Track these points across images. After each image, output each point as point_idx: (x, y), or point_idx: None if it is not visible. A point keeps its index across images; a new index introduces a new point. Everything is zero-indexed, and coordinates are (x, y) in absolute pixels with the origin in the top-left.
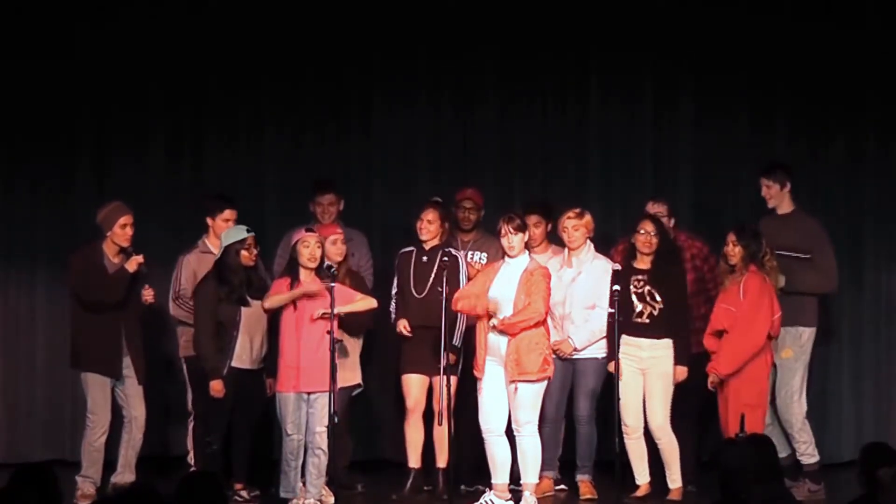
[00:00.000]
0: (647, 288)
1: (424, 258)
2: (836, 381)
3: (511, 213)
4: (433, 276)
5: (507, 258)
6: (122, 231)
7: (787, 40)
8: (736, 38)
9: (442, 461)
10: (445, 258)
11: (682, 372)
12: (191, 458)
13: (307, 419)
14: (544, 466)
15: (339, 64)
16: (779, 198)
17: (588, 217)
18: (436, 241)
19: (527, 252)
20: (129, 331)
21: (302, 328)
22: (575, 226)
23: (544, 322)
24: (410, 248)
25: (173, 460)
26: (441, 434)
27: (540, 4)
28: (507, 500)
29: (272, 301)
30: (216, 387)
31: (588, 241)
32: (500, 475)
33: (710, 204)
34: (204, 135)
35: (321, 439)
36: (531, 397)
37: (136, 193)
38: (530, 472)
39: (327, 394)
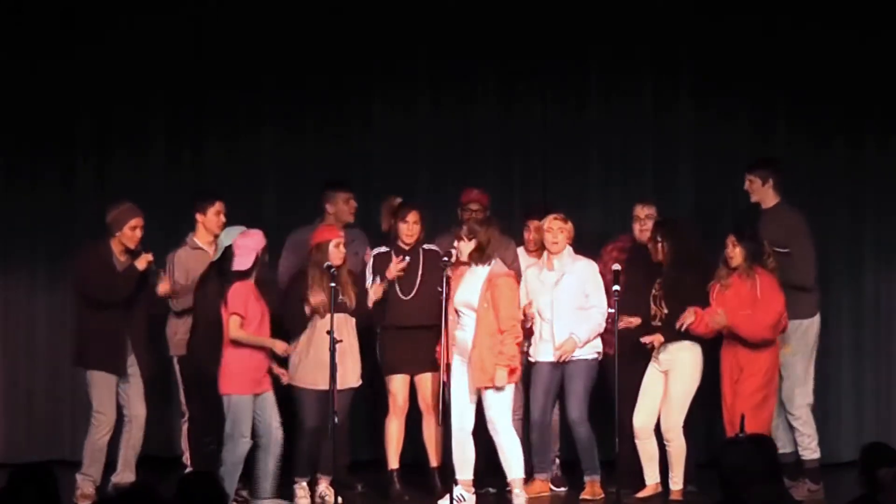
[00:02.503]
0: (662, 292)
1: (407, 258)
2: (836, 380)
3: (468, 223)
4: (419, 276)
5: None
6: (131, 233)
7: (787, 40)
8: (735, 38)
9: (435, 460)
10: (445, 258)
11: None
12: (186, 459)
13: (262, 418)
14: (536, 469)
15: (339, 64)
16: (761, 193)
17: (570, 224)
18: (414, 242)
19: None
20: (134, 329)
21: (262, 332)
22: (560, 228)
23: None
24: (386, 249)
25: (173, 460)
26: (433, 433)
27: (540, 5)
28: (472, 493)
29: (240, 336)
30: (279, 344)
31: (569, 247)
32: (466, 471)
33: (710, 204)
34: (204, 134)
35: (281, 433)
36: (500, 400)
37: (135, 193)
38: (514, 468)
39: (272, 391)
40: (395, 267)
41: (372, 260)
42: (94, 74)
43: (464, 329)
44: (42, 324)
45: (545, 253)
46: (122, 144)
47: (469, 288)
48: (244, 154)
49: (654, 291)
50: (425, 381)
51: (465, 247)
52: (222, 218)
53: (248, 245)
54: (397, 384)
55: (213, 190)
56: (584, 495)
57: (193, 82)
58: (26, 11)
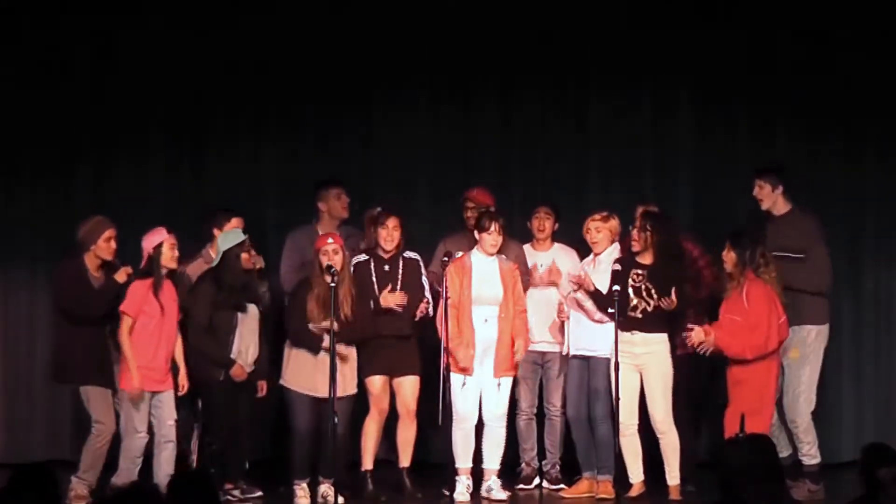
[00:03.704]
0: (645, 284)
1: (386, 267)
2: (836, 381)
3: (495, 216)
4: (399, 284)
5: (480, 254)
6: (106, 245)
7: (786, 43)
8: (735, 42)
9: (406, 460)
10: (445, 258)
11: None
12: (192, 462)
13: (157, 416)
14: (584, 467)
15: (339, 70)
16: (770, 199)
17: (613, 221)
18: (394, 249)
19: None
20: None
21: (163, 330)
22: (598, 228)
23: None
24: (365, 258)
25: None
26: (408, 436)
27: (541, 10)
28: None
29: (123, 340)
30: (237, 371)
31: (615, 243)
32: (496, 461)
33: (710, 208)
34: (204, 142)
35: (173, 432)
36: (509, 390)
37: (136, 198)
38: (499, 459)
39: (171, 392)
40: (393, 300)
41: (352, 269)
42: (94, 81)
43: (486, 322)
44: (42, 326)
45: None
46: (122, 151)
47: (488, 283)
48: (245, 162)
49: (632, 282)
50: (404, 384)
51: (498, 240)
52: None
53: (144, 245)
54: (377, 385)
55: (228, 207)
56: (600, 494)
57: (194, 90)
58: (27, 19)
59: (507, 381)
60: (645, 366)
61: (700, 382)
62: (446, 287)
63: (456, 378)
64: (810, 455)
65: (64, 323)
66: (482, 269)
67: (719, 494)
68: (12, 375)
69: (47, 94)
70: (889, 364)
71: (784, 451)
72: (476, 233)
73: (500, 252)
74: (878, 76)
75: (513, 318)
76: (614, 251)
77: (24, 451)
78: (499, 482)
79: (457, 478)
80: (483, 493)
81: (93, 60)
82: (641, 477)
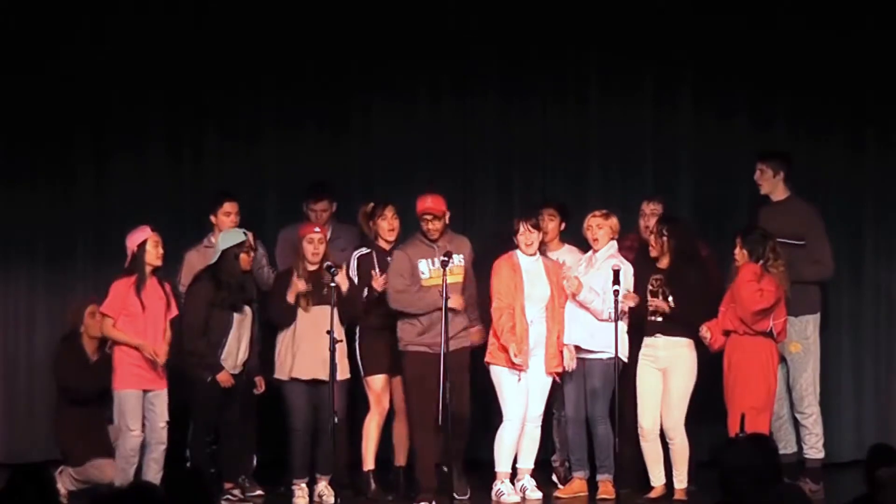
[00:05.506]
0: (662, 289)
1: (388, 258)
2: (837, 379)
3: (527, 214)
4: None
5: (523, 255)
6: (91, 320)
7: (786, 38)
8: (735, 36)
9: (402, 459)
10: (445, 257)
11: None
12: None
13: (147, 416)
14: (574, 467)
15: (339, 63)
16: (770, 184)
17: (614, 219)
18: (395, 240)
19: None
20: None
21: (148, 328)
22: (599, 224)
23: None
24: (367, 251)
25: (168, 460)
26: (401, 433)
27: (540, 5)
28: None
29: (111, 335)
30: (223, 377)
31: (612, 241)
32: (533, 459)
33: (710, 203)
34: (204, 134)
35: (164, 434)
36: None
37: (135, 193)
38: (533, 458)
39: (164, 391)
40: (379, 282)
41: (355, 262)
42: (93, 76)
43: (532, 323)
44: (42, 324)
45: (590, 251)
46: (121, 146)
47: (533, 283)
48: (244, 154)
49: (651, 287)
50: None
51: (531, 237)
52: (233, 218)
53: (127, 244)
54: (378, 384)
55: (225, 190)
56: (601, 495)
57: (193, 81)
58: (25, 13)
59: (549, 380)
60: (669, 368)
61: (701, 382)
62: (446, 288)
63: (508, 375)
64: (816, 448)
65: (60, 404)
66: (529, 269)
67: (719, 494)
68: (12, 376)
69: (45, 86)
70: (889, 364)
71: (790, 449)
72: (514, 238)
73: (448, 245)
74: (881, 68)
75: (557, 320)
76: (611, 248)
77: (24, 451)
78: (533, 482)
79: (502, 483)
80: (517, 491)
81: (90, 54)
82: (663, 480)
